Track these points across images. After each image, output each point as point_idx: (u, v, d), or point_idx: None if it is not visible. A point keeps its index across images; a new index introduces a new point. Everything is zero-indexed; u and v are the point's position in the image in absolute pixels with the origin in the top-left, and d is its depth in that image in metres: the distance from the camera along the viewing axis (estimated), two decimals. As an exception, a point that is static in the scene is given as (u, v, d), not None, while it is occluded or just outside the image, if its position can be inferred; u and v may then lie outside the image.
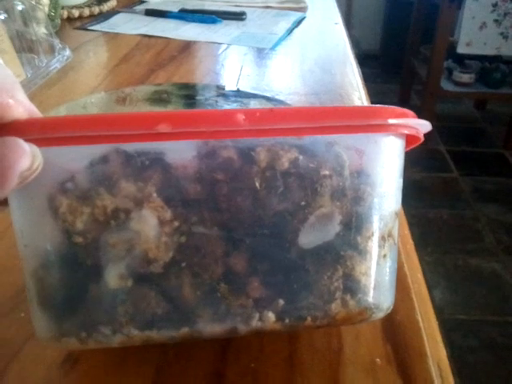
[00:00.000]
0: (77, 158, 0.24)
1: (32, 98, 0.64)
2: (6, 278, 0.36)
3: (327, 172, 0.24)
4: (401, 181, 0.27)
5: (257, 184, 0.24)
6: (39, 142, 0.21)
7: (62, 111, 0.62)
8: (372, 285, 0.26)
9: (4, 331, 0.31)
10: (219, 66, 0.80)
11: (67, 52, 0.79)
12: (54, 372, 0.29)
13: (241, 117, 0.22)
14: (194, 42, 0.88)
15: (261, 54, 0.83)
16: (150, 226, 0.24)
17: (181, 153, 0.24)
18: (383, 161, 0.25)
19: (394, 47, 2.79)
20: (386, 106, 0.24)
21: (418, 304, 0.34)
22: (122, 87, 0.68)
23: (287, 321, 0.26)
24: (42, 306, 0.25)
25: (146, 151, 0.24)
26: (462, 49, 2.06)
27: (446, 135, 2.21)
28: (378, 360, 0.30)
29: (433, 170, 1.90)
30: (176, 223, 0.24)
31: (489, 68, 2.16)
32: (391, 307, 0.28)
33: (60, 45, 0.79)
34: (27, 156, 0.19)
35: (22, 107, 0.21)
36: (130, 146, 0.24)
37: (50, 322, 0.25)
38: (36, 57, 0.74)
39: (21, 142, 0.19)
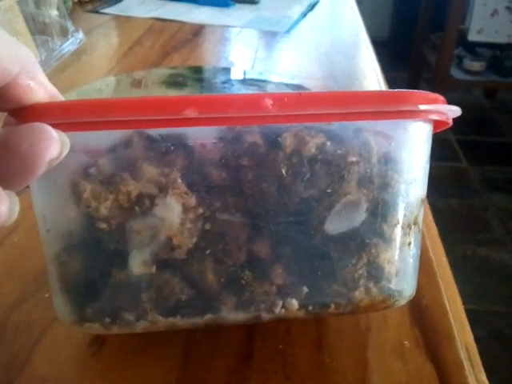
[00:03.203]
0: (99, 142, 0.23)
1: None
2: (28, 259, 0.35)
3: (354, 158, 0.24)
4: (427, 166, 0.26)
5: (283, 170, 0.24)
6: (61, 126, 0.20)
7: (76, 94, 0.61)
8: (396, 272, 0.26)
9: (29, 312, 0.31)
10: (233, 50, 0.79)
11: (80, 34, 0.78)
12: (82, 352, 0.29)
13: (268, 102, 0.22)
14: (207, 26, 0.87)
15: (275, 37, 0.82)
16: (174, 212, 0.23)
17: (205, 138, 0.24)
18: (411, 147, 0.25)
19: (402, 34, 2.75)
20: (416, 90, 0.24)
21: (444, 287, 0.34)
22: (137, 70, 0.68)
23: (310, 308, 0.25)
24: (64, 290, 0.24)
25: (170, 135, 0.23)
26: (472, 36, 2.02)
27: (455, 124, 2.16)
28: (406, 343, 0.29)
29: (442, 160, 1.88)
30: (200, 210, 0.24)
31: (500, 56, 2.12)
32: (413, 294, 0.28)
33: (73, 27, 0.78)
34: (56, 144, 0.18)
35: (43, 90, 0.20)
36: (154, 130, 0.23)
37: (73, 307, 0.25)
38: (50, 39, 0.73)
39: (49, 129, 0.18)
